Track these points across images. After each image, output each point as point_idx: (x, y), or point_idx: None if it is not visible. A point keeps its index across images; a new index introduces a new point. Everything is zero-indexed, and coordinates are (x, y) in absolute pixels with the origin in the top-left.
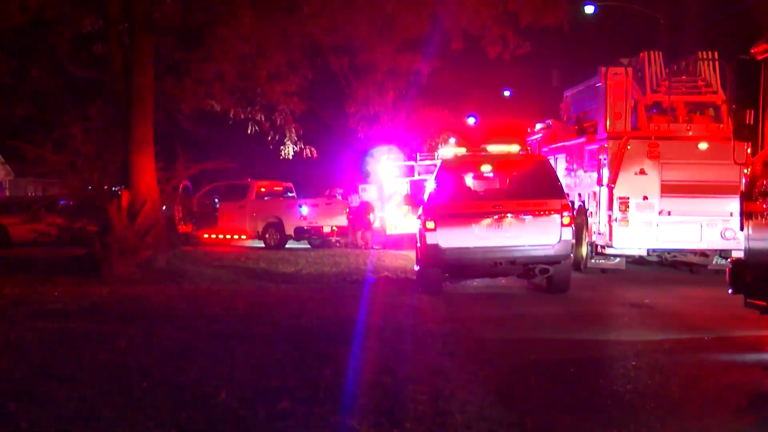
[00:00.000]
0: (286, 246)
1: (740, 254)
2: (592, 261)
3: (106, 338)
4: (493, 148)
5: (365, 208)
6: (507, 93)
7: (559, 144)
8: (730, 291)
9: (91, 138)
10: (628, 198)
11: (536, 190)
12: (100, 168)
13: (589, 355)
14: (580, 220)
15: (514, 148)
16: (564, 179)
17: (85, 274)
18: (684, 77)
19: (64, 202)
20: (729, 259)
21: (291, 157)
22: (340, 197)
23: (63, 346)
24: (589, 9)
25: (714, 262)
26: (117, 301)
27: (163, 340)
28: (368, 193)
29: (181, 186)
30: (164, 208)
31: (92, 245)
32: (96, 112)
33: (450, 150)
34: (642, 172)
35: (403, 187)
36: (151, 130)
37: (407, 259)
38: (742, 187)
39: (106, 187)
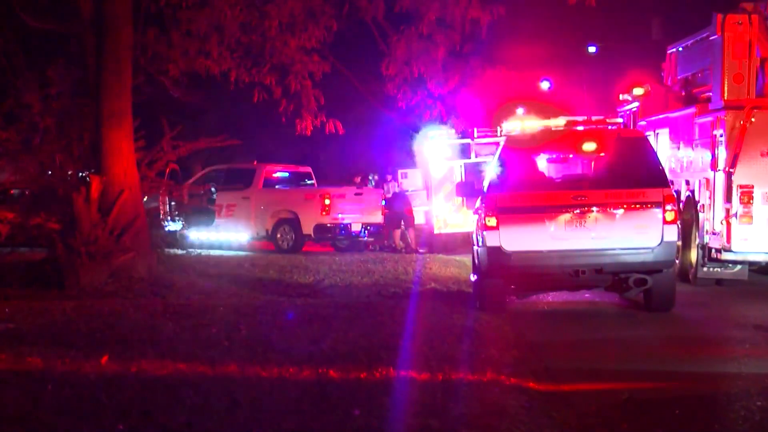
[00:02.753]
0: (303, 249)
1: None
2: (704, 269)
3: (70, 367)
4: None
5: (406, 199)
6: (592, 49)
7: (661, 116)
8: None
9: (52, 109)
10: (752, 187)
11: (631, 175)
12: (63, 147)
13: (699, 392)
14: (688, 216)
15: (558, 122)
16: (667, 162)
17: (45, 284)
18: None
19: (17, 192)
20: None
21: (309, 134)
22: (373, 185)
23: (16, 377)
24: None
25: None
26: (85, 319)
27: (144, 370)
28: (410, 180)
29: (168, 171)
30: (146, 199)
31: (53, 247)
32: (58, 76)
33: (517, 124)
34: None
35: (456, 172)
36: (129, 99)
37: (461, 267)
38: None
39: (70, 173)
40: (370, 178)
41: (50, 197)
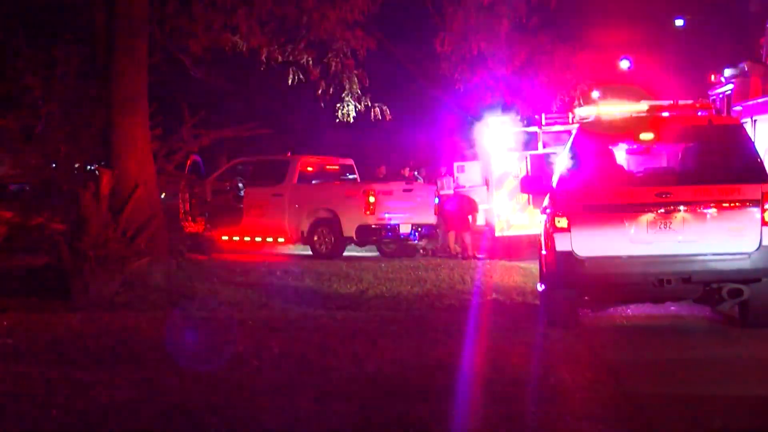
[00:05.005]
0: (344, 254)
1: None
2: None
3: (77, 390)
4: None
5: (463, 197)
6: (679, 23)
7: (760, 100)
8: None
9: (56, 92)
10: None
11: (724, 169)
12: (69, 136)
13: None
14: None
15: (640, 107)
16: (767, 153)
17: (48, 294)
18: None
19: (16, 188)
20: None
21: (352, 121)
22: (422, 180)
23: (14, 401)
24: None
25: None
26: (94, 335)
27: (161, 393)
28: (468, 174)
29: (189, 163)
30: (163, 196)
31: (57, 251)
32: (63, 54)
33: (592, 109)
34: None
35: (521, 165)
36: (144, 81)
37: (526, 275)
38: None
39: (77, 165)
40: (415, 174)
41: (54, 193)
